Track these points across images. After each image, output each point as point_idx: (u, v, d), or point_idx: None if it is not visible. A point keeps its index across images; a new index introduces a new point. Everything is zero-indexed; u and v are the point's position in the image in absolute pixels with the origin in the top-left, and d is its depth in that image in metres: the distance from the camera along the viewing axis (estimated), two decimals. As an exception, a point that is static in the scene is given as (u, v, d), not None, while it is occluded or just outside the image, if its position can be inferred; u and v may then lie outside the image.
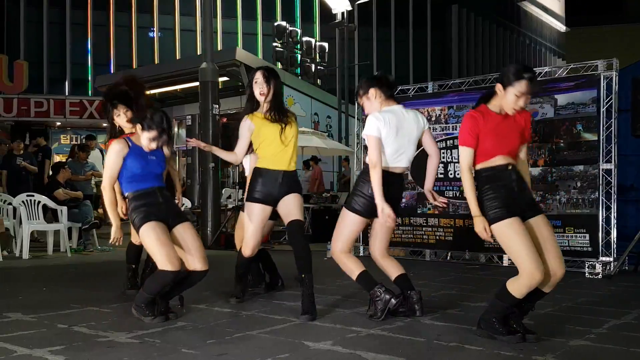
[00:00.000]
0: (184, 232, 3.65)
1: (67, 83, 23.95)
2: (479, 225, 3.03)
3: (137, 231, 3.59)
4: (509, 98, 3.04)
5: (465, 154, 3.11)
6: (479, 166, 3.13)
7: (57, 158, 16.41)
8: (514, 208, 3.02)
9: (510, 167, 3.08)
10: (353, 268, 3.65)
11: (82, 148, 9.06)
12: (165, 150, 3.80)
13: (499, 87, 3.08)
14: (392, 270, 3.75)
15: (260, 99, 3.92)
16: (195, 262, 3.61)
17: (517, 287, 2.98)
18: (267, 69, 4.01)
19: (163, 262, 3.41)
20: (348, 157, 13.22)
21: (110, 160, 3.62)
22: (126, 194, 3.69)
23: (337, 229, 3.72)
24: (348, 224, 3.67)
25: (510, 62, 34.29)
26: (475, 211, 3.05)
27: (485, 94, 3.24)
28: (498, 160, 3.08)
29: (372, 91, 3.68)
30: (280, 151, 3.88)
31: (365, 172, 3.61)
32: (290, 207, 3.85)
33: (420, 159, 7.02)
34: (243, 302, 4.13)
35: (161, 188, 3.72)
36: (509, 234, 2.98)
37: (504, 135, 3.08)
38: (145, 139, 3.61)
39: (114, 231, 3.69)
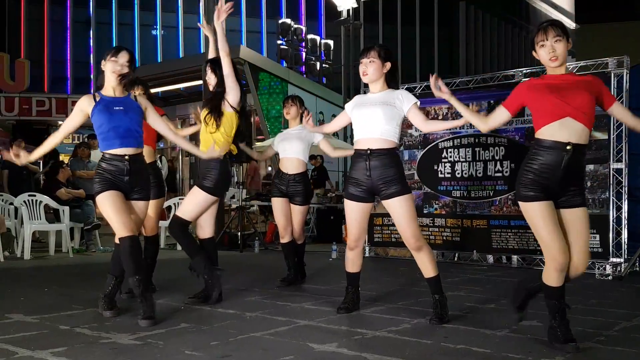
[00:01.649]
0: (135, 208, 3.65)
1: (69, 82, 23.93)
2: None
3: (95, 196, 3.62)
4: (541, 54, 3.00)
5: (498, 112, 3.14)
6: (539, 133, 2.98)
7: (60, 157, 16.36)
8: (550, 191, 2.93)
9: (569, 147, 2.91)
10: (433, 265, 3.63)
11: (83, 145, 9.01)
12: (141, 100, 3.68)
13: (534, 54, 3.08)
14: None
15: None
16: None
17: (547, 275, 2.96)
18: (210, 60, 4.12)
19: (119, 228, 3.47)
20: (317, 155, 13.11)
21: (71, 113, 3.62)
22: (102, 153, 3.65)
23: (410, 219, 3.58)
24: (413, 206, 3.65)
25: (518, 59, 34.14)
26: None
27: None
28: (559, 135, 2.91)
29: (389, 65, 3.65)
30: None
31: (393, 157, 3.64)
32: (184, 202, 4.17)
33: (424, 160, 7.03)
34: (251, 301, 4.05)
35: (134, 157, 3.58)
36: (536, 217, 2.92)
37: (564, 87, 2.95)
38: (108, 70, 3.56)
39: None
